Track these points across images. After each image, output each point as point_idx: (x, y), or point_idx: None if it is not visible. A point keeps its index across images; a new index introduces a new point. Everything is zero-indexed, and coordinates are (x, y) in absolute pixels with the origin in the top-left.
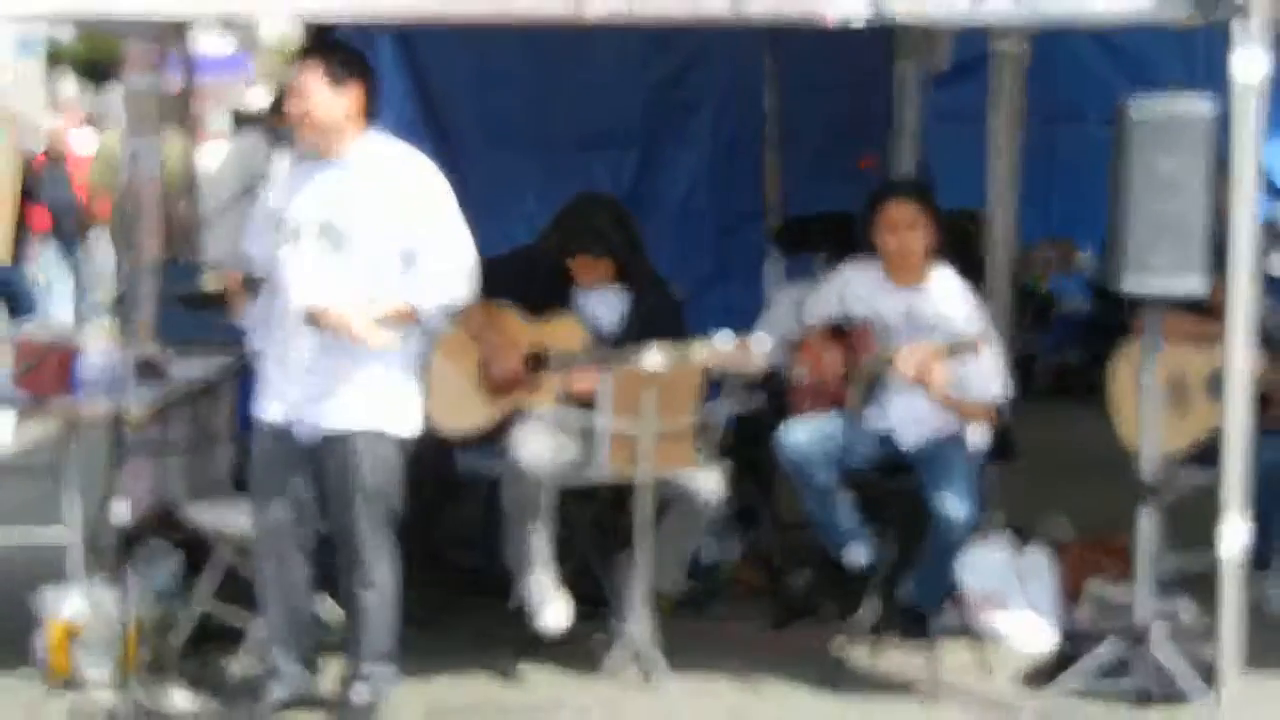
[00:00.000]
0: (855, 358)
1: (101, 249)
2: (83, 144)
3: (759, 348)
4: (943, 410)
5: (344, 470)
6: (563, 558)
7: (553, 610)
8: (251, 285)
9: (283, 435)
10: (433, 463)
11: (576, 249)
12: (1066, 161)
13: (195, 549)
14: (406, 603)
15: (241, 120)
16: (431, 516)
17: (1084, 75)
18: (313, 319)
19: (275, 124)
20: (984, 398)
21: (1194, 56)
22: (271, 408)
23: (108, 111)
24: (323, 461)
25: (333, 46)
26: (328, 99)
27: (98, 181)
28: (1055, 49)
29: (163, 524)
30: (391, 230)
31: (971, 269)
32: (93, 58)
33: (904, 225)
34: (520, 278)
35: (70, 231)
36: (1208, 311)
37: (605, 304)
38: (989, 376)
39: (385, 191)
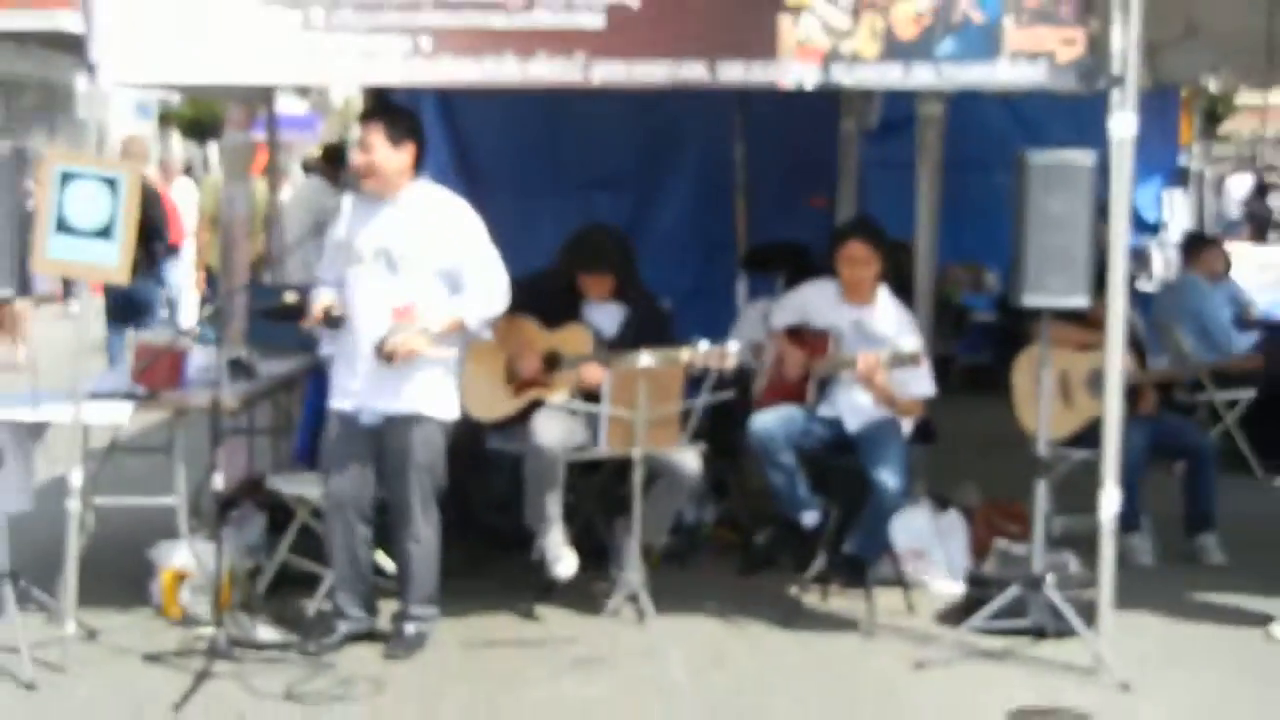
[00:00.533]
0: (812, 360)
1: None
2: (180, 194)
3: (731, 351)
4: (880, 405)
5: (400, 447)
6: (572, 519)
7: (564, 564)
8: (331, 321)
9: (350, 421)
10: (467, 443)
11: (584, 267)
12: (976, 202)
13: (276, 512)
14: (445, 556)
15: (308, 168)
16: (466, 487)
17: (990, 132)
18: (387, 355)
19: (334, 172)
20: (917, 396)
21: (1078, 117)
22: (342, 399)
23: (206, 161)
24: (383, 440)
25: (393, 111)
26: (388, 153)
27: (205, 214)
28: (967, 110)
29: (251, 492)
30: (435, 257)
31: (903, 288)
32: (196, 118)
33: (860, 260)
34: (538, 295)
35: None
36: (1089, 323)
37: (607, 315)
38: (923, 380)
39: (431, 227)
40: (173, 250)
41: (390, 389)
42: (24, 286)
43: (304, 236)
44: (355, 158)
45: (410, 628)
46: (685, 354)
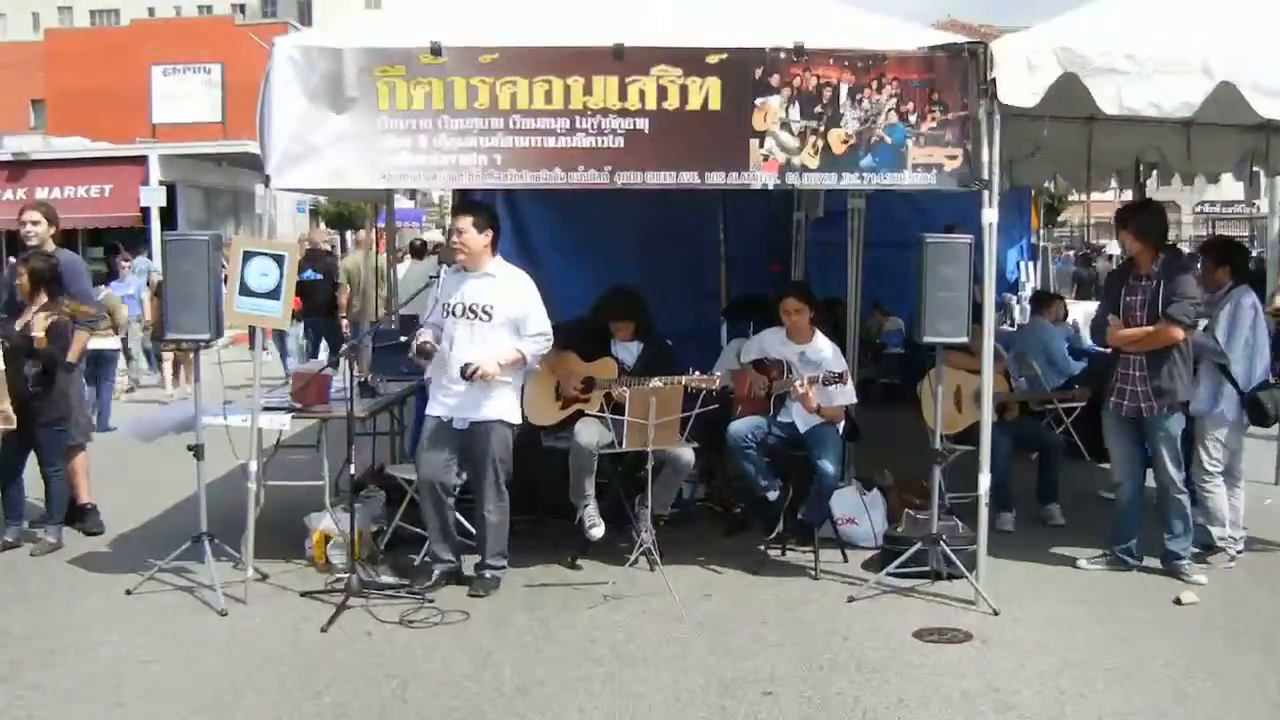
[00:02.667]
0: (770, 383)
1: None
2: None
3: (716, 376)
4: (815, 413)
5: (482, 446)
6: (603, 496)
7: (597, 529)
8: (423, 353)
9: (444, 426)
10: (529, 443)
11: (613, 315)
12: (888, 268)
13: (392, 491)
14: (513, 523)
15: (415, 248)
16: (528, 474)
17: (896, 219)
18: (469, 372)
19: (439, 250)
20: (844, 405)
21: (959, 207)
22: (438, 410)
23: (345, 244)
24: (469, 440)
25: (477, 205)
26: (475, 237)
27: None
28: (882, 203)
29: (374, 477)
30: (507, 311)
31: (836, 329)
32: (339, 212)
33: (794, 310)
34: (578, 336)
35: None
36: (976, 354)
37: (628, 351)
38: (849, 393)
39: (504, 290)
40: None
41: (474, 403)
42: (219, 332)
43: (416, 296)
44: (453, 239)
45: (488, 574)
46: (683, 379)
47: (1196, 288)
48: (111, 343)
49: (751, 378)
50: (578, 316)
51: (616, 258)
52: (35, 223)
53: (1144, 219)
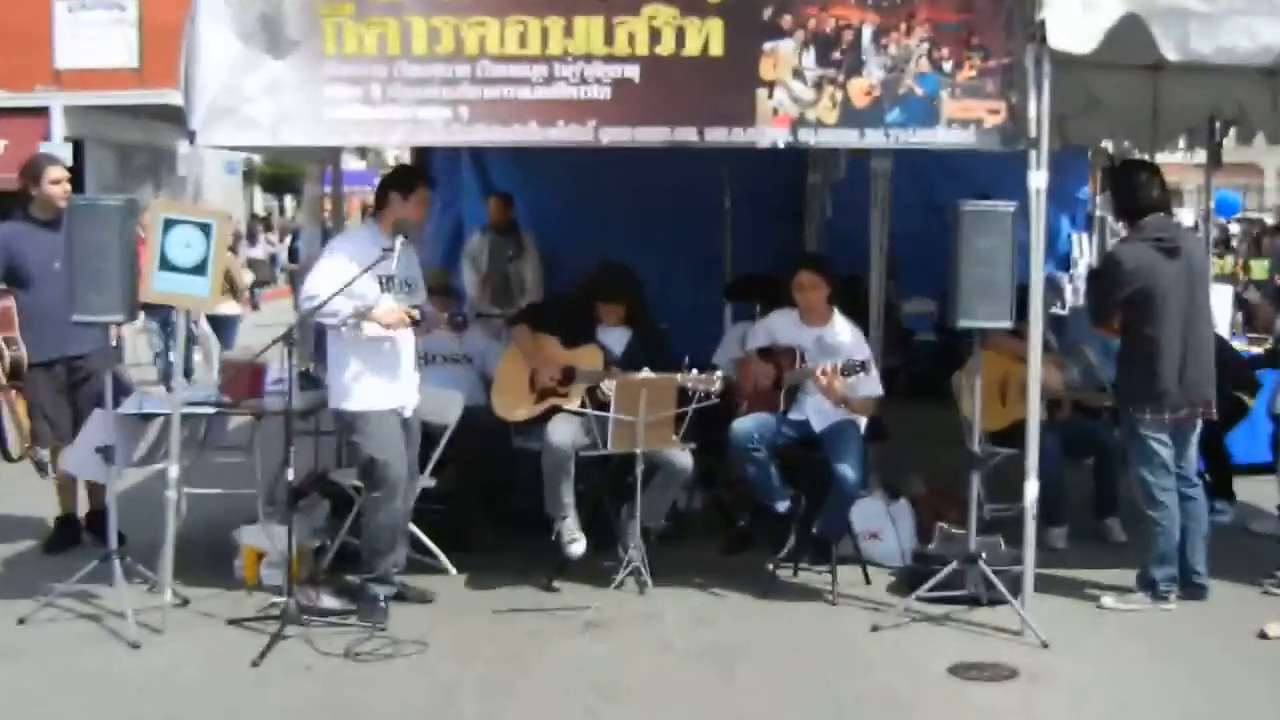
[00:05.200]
0: (780, 373)
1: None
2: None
3: (717, 377)
4: (838, 406)
5: (416, 440)
6: (583, 506)
7: (576, 545)
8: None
9: (399, 418)
10: (496, 441)
11: (603, 296)
12: (917, 239)
13: (337, 500)
14: (478, 534)
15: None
16: (495, 479)
17: (927, 183)
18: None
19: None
20: (869, 398)
21: (1000, 170)
22: (391, 399)
23: (283, 210)
24: (409, 433)
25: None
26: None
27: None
28: (910, 166)
29: (316, 484)
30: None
31: (858, 312)
32: (275, 175)
33: (809, 286)
34: (559, 318)
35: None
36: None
37: (615, 338)
38: (873, 384)
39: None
40: None
41: (415, 388)
42: (132, 314)
43: (367, 271)
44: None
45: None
46: (679, 378)
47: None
48: None
49: (758, 368)
50: (558, 295)
51: (601, 228)
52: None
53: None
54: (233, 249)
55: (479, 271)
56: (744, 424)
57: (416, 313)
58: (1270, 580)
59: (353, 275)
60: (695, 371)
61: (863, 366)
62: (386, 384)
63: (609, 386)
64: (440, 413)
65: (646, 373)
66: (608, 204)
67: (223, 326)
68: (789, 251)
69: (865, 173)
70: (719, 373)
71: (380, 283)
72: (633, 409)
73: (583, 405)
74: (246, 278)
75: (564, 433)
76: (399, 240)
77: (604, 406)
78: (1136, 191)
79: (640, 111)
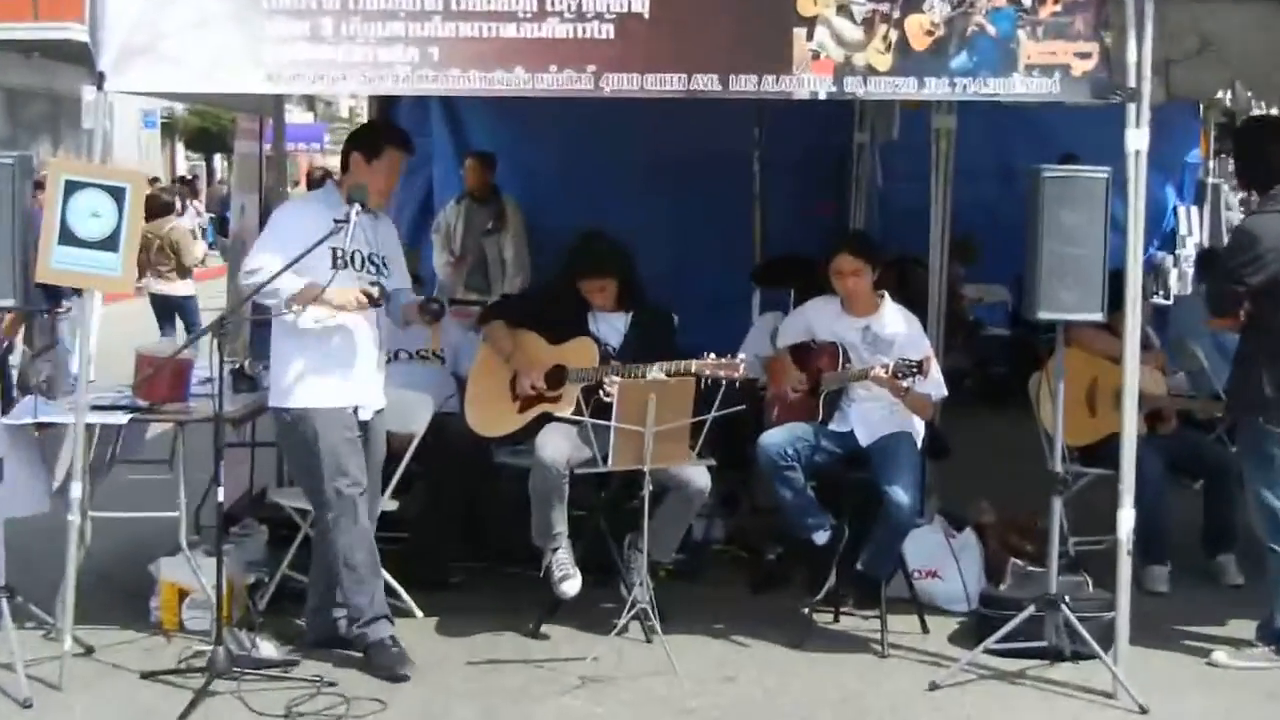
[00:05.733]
0: (819, 375)
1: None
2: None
3: (739, 361)
4: (897, 404)
5: (380, 445)
6: (579, 535)
7: (569, 582)
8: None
9: (352, 420)
10: (475, 456)
11: (587, 272)
12: (987, 213)
13: (278, 526)
14: (452, 569)
15: (315, 180)
16: (473, 503)
17: (1001, 145)
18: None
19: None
20: (927, 397)
21: (1090, 127)
22: (342, 397)
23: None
24: (371, 438)
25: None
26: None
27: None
28: (980, 123)
29: (253, 506)
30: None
31: (914, 301)
32: (203, 129)
33: (849, 273)
34: (542, 310)
35: None
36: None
37: (611, 326)
38: (934, 384)
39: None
40: None
41: (378, 385)
42: (26, 297)
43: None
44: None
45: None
46: (694, 365)
47: None
48: None
49: (792, 368)
50: (537, 285)
51: (601, 199)
52: None
53: None
54: (178, 211)
55: (452, 249)
56: (775, 436)
57: (375, 290)
58: None
59: (303, 249)
60: (711, 357)
61: (919, 368)
62: (339, 379)
63: (611, 387)
64: (404, 420)
65: (656, 372)
66: (610, 169)
67: (176, 310)
68: (830, 228)
69: (924, 131)
70: (743, 355)
71: (334, 259)
72: (639, 416)
73: (578, 412)
74: (198, 250)
75: (556, 446)
76: (354, 209)
77: (603, 413)
78: (1266, 154)
79: (650, 55)
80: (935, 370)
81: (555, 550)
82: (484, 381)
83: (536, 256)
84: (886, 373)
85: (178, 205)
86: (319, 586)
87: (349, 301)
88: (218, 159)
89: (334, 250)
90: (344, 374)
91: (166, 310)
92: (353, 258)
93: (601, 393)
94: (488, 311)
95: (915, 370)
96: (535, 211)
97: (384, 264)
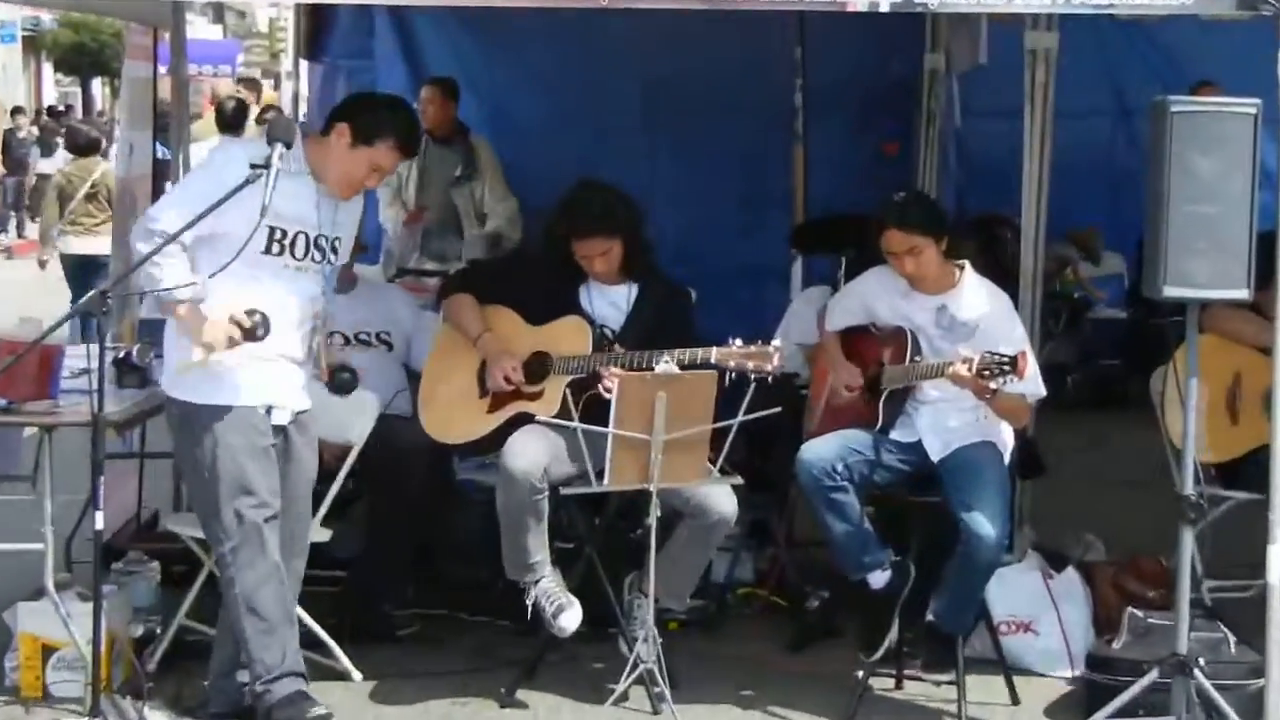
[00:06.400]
0: (879, 368)
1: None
2: None
3: (773, 350)
4: (980, 406)
5: (311, 455)
6: (567, 574)
7: (566, 614)
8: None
9: (265, 425)
10: (430, 471)
11: (580, 230)
12: (1093, 161)
13: (173, 562)
14: (404, 619)
15: (225, 114)
16: (430, 529)
17: (1116, 72)
18: None
19: (268, 118)
20: (1020, 398)
21: (1230, 54)
22: (258, 396)
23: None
24: (291, 447)
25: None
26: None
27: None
28: (1089, 45)
29: (141, 536)
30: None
31: (1000, 274)
32: (77, 45)
33: (904, 251)
34: (520, 279)
35: None
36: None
37: (609, 303)
38: (1029, 381)
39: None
40: None
41: (302, 378)
42: None
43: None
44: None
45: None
46: (716, 354)
47: None
48: None
49: (840, 362)
50: (517, 247)
51: (596, 140)
52: None
53: None
54: (100, 152)
55: (405, 201)
56: (820, 448)
57: (253, 319)
58: None
59: (220, 209)
60: (738, 344)
61: (1012, 365)
62: (248, 368)
63: (609, 381)
64: (339, 425)
65: (667, 363)
66: (611, 102)
67: (94, 274)
68: (892, 179)
69: (1016, 55)
70: (778, 341)
71: (270, 240)
72: (644, 420)
73: (562, 415)
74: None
75: (532, 454)
76: (276, 150)
77: (599, 414)
78: None
79: None
80: (1032, 364)
81: (538, 581)
82: (444, 373)
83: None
84: (970, 369)
85: (104, 144)
86: (226, 641)
87: (217, 340)
88: (97, 84)
89: (272, 230)
90: (256, 361)
91: (85, 276)
92: (294, 242)
93: (602, 388)
94: (450, 282)
95: (1008, 368)
96: (509, 159)
97: (332, 247)
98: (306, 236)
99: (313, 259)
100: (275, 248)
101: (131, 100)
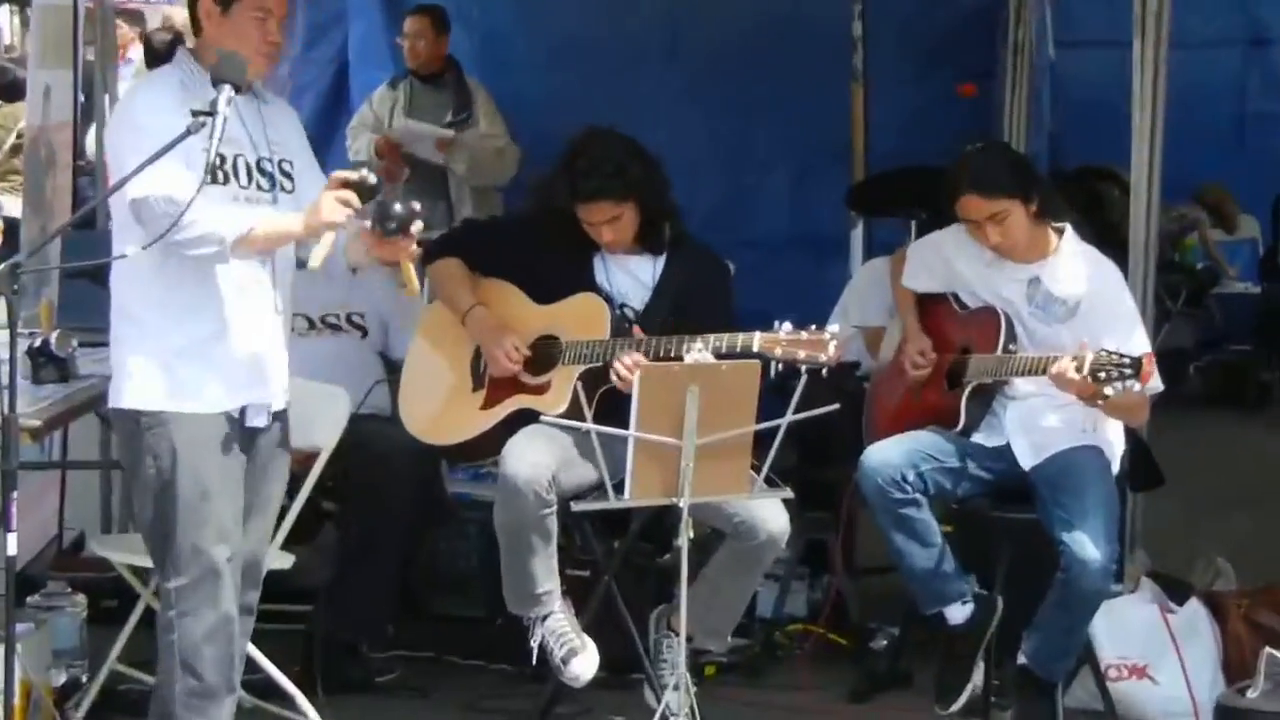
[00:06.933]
0: (963, 355)
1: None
2: None
3: (828, 337)
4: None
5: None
6: (581, 608)
7: (579, 659)
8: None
9: (234, 429)
10: (413, 483)
11: (588, 192)
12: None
13: (102, 595)
14: (383, 663)
15: (154, 46)
16: (414, 552)
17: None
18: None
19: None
20: (1137, 394)
21: None
22: (221, 399)
23: None
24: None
25: None
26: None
27: None
28: None
29: (61, 563)
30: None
31: (1105, 240)
32: None
33: (985, 219)
34: (522, 247)
35: None
36: None
37: (630, 277)
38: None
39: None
40: None
41: (280, 371)
42: None
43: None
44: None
45: None
46: (759, 340)
47: None
48: None
49: (912, 331)
50: (515, 210)
51: (614, 83)
52: None
53: None
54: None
55: (425, 136)
56: (887, 453)
57: (363, 172)
58: None
59: (177, 159)
60: (786, 329)
61: (1135, 370)
62: (216, 365)
63: (630, 372)
64: (304, 427)
65: (700, 350)
66: (631, 33)
67: None
68: (970, 126)
69: None
70: (835, 325)
71: (208, 168)
72: (673, 420)
73: (572, 413)
74: None
75: (538, 459)
76: (224, 94)
77: (618, 412)
78: None
79: None
80: (1148, 360)
81: (545, 617)
82: (429, 361)
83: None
84: (1081, 370)
85: None
86: (167, 688)
87: (334, 215)
88: (3, 14)
89: (207, 155)
90: (224, 357)
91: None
92: (234, 166)
93: (614, 376)
94: (435, 246)
95: (1129, 372)
96: (508, 105)
97: (282, 170)
98: (245, 161)
99: (258, 186)
100: (220, 176)
101: (44, 32)
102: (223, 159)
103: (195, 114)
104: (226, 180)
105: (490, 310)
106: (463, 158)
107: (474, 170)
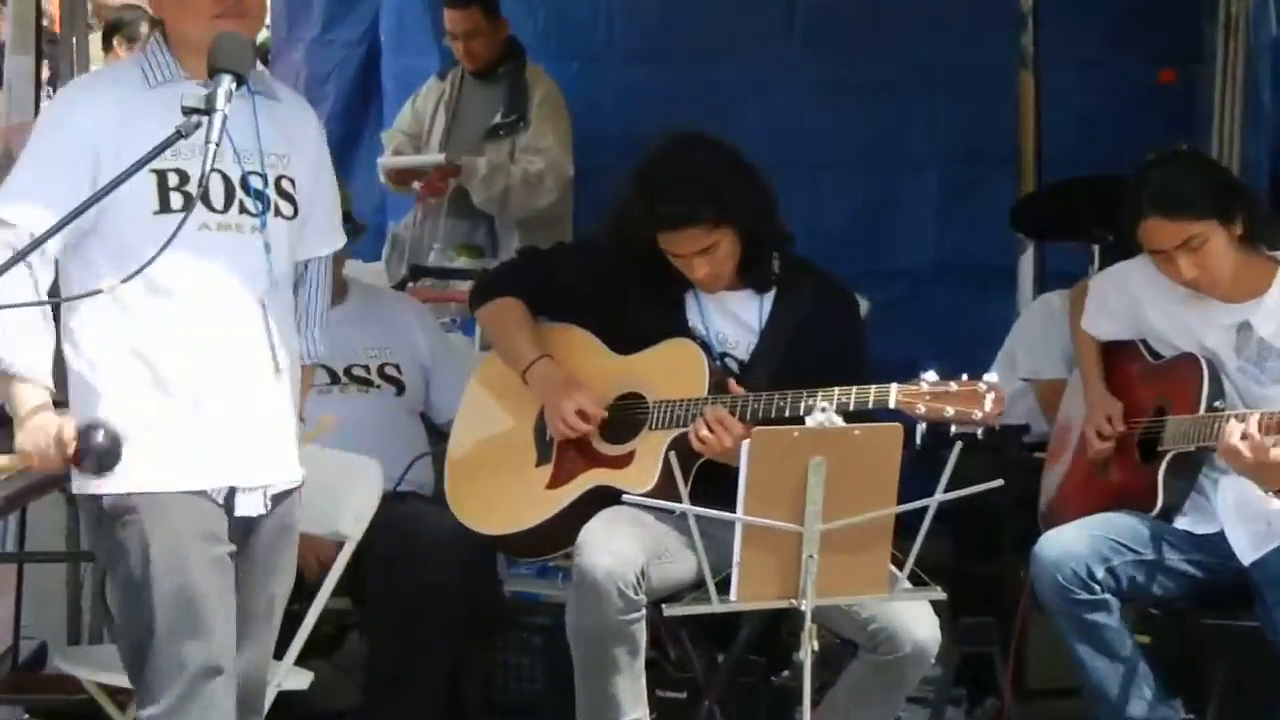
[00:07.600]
0: (1159, 414)
1: None
2: None
3: (985, 390)
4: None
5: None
6: None
7: None
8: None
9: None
10: (465, 582)
11: (671, 218)
12: None
13: (60, 714)
14: None
15: (115, 28)
16: (464, 669)
17: None
18: None
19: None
20: None
21: None
22: (191, 476)
23: None
24: (273, 546)
25: None
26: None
27: None
28: None
29: (19, 683)
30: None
31: None
32: None
33: (1173, 248)
34: (597, 282)
35: None
36: None
37: (731, 318)
38: None
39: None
40: None
41: (284, 443)
42: None
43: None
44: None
45: None
46: (900, 395)
47: None
48: None
49: (1095, 393)
50: (587, 235)
51: (712, 77)
52: None
53: None
54: None
55: (423, 169)
56: (1067, 543)
57: (97, 438)
58: None
59: (108, 180)
60: (929, 378)
61: None
62: (196, 436)
63: (711, 432)
64: (325, 512)
65: (824, 411)
66: (733, 20)
67: None
68: (1168, 124)
69: None
70: (993, 376)
71: (161, 191)
72: (790, 499)
73: (663, 491)
74: None
75: (621, 550)
76: (222, 86)
77: (719, 489)
78: None
79: None
80: None
81: None
82: (483, 428)
83: (585, 187)
84: (1255, 434)
85: None
86: None
87: (39, 446)
88: None
89: (160, 175)
90: (200, 428)
91: None
92: (206, 188)
93: (694, 439)
94: (488, 283)
95: None
96: (579, 104)
97: (280, 189)
98: (224, 175)
99: (242, 209)
100: (175, 199)
101: (16, 19)
102: (182, 176)
103: (187, 111)
104: (184, 206)
105: (559, 363)
106: (477, 188)
107: (491, 201)
